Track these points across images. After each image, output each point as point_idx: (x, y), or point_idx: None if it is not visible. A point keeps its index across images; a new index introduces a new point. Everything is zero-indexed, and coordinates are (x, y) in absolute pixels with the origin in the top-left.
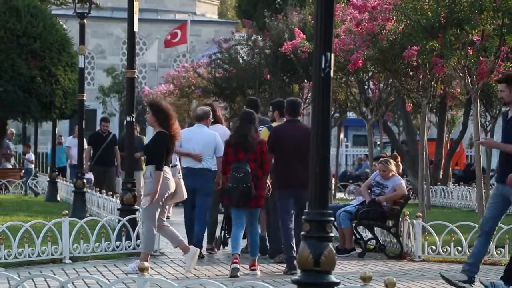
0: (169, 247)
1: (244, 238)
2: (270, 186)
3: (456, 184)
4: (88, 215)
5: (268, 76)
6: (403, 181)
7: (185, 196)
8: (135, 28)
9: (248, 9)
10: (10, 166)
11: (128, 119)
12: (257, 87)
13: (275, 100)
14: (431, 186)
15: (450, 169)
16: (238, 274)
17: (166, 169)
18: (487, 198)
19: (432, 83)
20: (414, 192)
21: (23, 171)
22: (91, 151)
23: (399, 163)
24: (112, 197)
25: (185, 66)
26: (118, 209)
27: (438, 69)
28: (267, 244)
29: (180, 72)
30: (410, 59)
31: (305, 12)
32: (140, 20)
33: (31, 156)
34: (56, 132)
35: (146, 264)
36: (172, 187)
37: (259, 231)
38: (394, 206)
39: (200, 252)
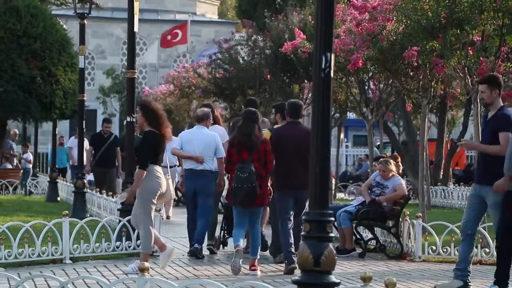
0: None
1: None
2: (271, 189)
3: (456, 185)
4: (88, 215)
5: (268, 76)
6: (403, 181)
7: (173, 196)
8: (135, 29)
9: (248, 9)
10: (11, 167)
11: (128, 119)
12: (257, 88)
13: (278, 103)
14: (431, 187)
15: (450, 169)
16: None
17: (158, 168)
18: None
19: (432, 83)
20: (414, 192)
21: (21, 171)
22: (93, 152)
23: (399, 163)
24: (112, 197)
25: (185, 66)
26: (118, 210)
27: (438, 69)
28: (265, 239)
29: (180, 73)
30: (411, 60)
31: (305, 12)
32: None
33: (29, 156)
34: (57, 132)
35: (146, 264)
36: (164, 186)
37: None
38: (394, 206)
39: (201, 253)
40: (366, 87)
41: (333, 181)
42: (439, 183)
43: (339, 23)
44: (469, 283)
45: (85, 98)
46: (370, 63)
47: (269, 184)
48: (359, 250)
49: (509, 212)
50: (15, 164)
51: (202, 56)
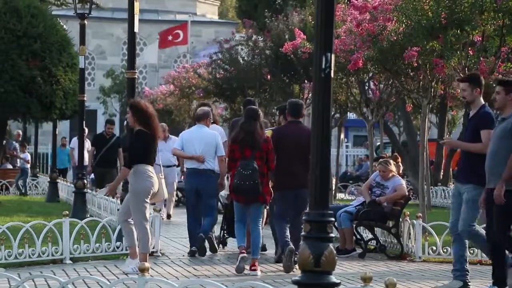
0: (169, 248)
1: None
2: (272, 189)
3: None
4: (88, 215)
5: (269, 76)
6: (403, 182)
7: (165, 196)
8: (136, 29)
9: (248, 9)
10: (11, 167)
11: None
12: (257, 88)
13: (281, 104)
14: (432, 187)
15: (451, 169)
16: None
17: (149, 168)
18: None
19: (433, 83)
20: (415, 192)
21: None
22: (94, 152)
23: (400, 164)
24: (113, 197)
25: (185, 66)
26: (118, 210)
27: (439, 69)
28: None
29: (181, 73)
30: (411, 60)
31: (305, 13)
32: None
33: (27, 156)
34: (57, 132)
35: (147, 264)
36: (156, 186)
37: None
38: (394, 206)
39: (203, 251)
40: (366, 87)
41: (333, 181)
42: (439, 184)
43: (339, 23)
44: (469, 283)
45: (85, 99)
46: (370, 63)
47: (270, 185)
48: (359, 251)
49: (509, 212)
50: (18, 165)
51: (201, 55)
